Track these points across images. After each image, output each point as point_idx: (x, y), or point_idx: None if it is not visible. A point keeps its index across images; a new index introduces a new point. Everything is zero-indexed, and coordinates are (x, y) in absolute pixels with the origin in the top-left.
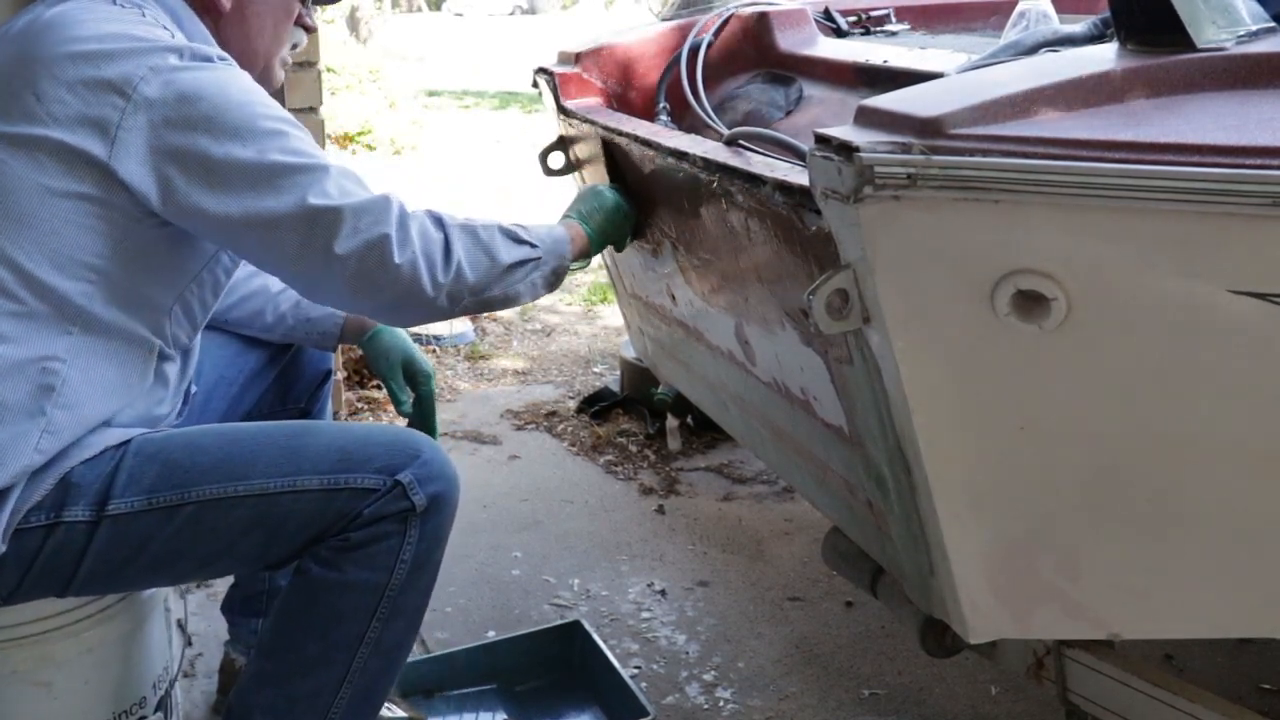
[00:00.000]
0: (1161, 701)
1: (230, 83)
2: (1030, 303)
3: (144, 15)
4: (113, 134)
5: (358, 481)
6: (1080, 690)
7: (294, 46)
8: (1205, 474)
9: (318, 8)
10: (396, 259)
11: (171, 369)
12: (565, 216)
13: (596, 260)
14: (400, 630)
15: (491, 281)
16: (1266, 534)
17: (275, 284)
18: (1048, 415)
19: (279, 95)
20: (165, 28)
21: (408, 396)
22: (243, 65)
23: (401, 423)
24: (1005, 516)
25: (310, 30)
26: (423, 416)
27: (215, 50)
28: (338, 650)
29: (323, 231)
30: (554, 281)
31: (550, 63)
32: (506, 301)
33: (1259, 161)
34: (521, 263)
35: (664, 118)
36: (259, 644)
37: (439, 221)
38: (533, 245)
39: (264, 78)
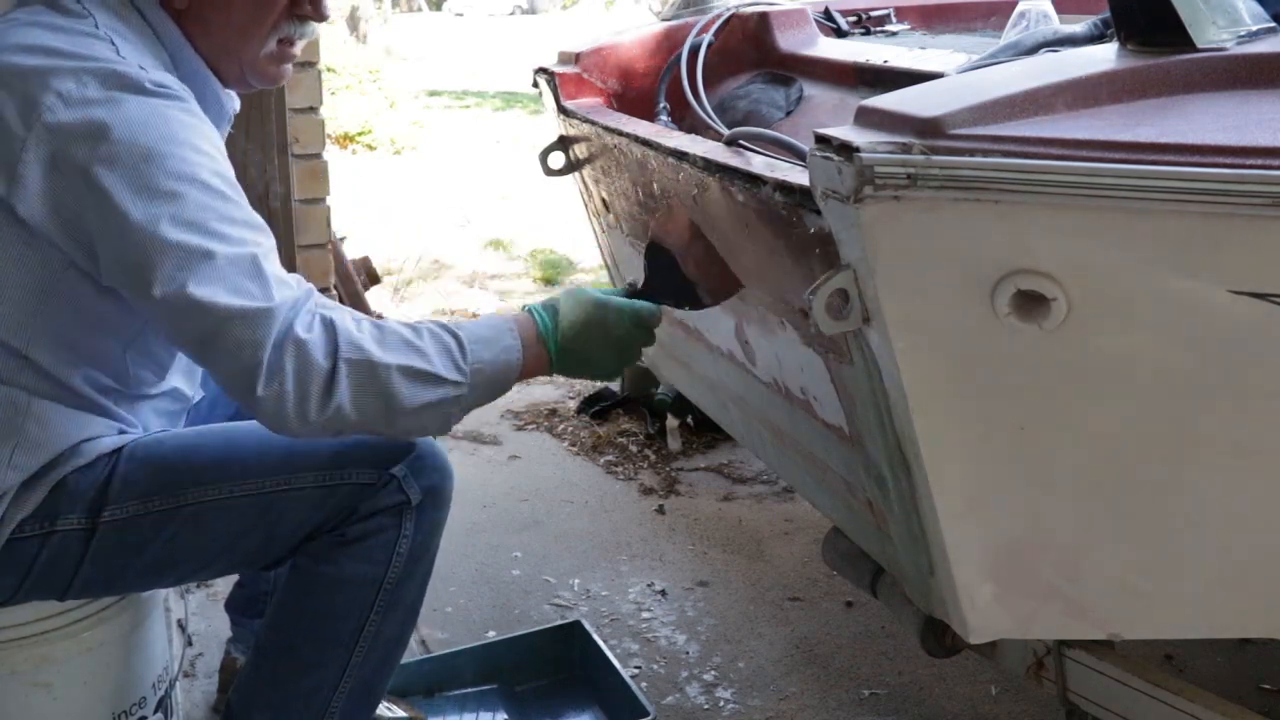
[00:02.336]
0: (1161, 702)
1: (149, 124)
2: (1030, 303)
3: (96, 26)
4: (14, 168)
5: (352, 477)
6: (1080, 690)
7: (299, 38)
8: (1205, 474)
9: None
10: (260, 390)
11: (158, 396)
12: (541, 310)
13: (596, 261)
14: (398, 623)
15: (385, 423)
16: (1267, 534)
17: None
18: (1048, 415)
19: (279, 94)
20: (112, 41)
21: None
22: (216, 66)
23: None
24: (1005, 516)
25: (320, 19)
26: None
27: (154, 76)
28: (336, 645)
29: (192, 328)
30: (479, 405)
31: (550, 63)
32: (409, 435)
33: (1259, 162)
34: (432, 404)
35: (664, 118)
36: (257, 642)
37: (331, 348)
38: (454, 382)
39: (252, 76)
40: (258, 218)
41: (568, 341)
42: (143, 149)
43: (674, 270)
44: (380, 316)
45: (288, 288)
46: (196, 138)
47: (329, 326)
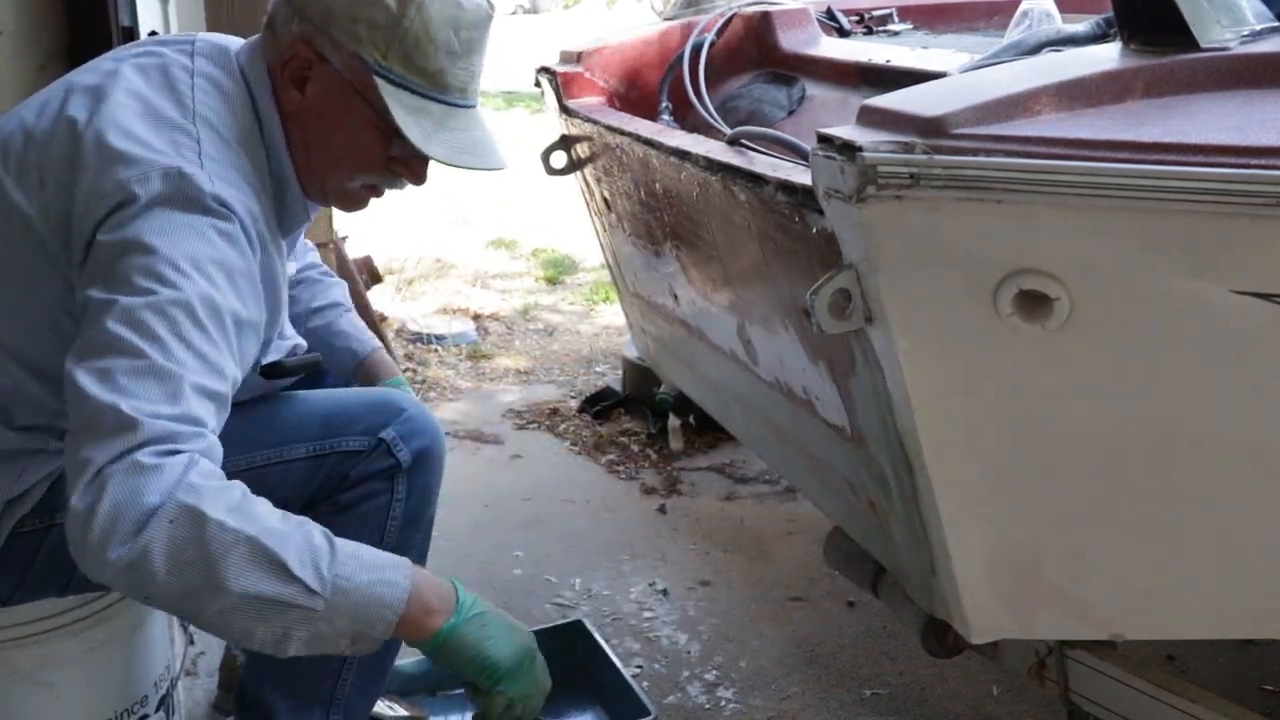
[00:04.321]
0: (1163, 702)
1: (174, 233)
2: (1033, 303)
3: (194, 120)
4: (76, 251)
5: (343, 445)
6: (1082, 691)
7: (386, 188)
8: (1208, 474)
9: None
10: (74, 498)
11: None
12: (463, 587)
13: (597, 259)
14: None
15: (197, 595)
16: (1269, 534)
17: (324, 291)
18: (1050, 415)
19: None
20: (199, 141)
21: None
22: (300, 173)
23: None
24: (1007, 516)
25: (417, 184)
26: None
27: (218, 191)
28: None
29: (73, 410)
30: (331, 637)
31: (552, 62)
32: (222, 633)
33: (1262, 162)
34: (266, 600)
35: (666, 117)
36: None
37: (169, 487)
38: (305, 588)
39: (330, 198)
40: (224, 363)
41: (474, 620)
42: (147, 246)
43: None
44: (383, 317)
45: (182, 423)
46: (213, 264)
47: (185, 468)
